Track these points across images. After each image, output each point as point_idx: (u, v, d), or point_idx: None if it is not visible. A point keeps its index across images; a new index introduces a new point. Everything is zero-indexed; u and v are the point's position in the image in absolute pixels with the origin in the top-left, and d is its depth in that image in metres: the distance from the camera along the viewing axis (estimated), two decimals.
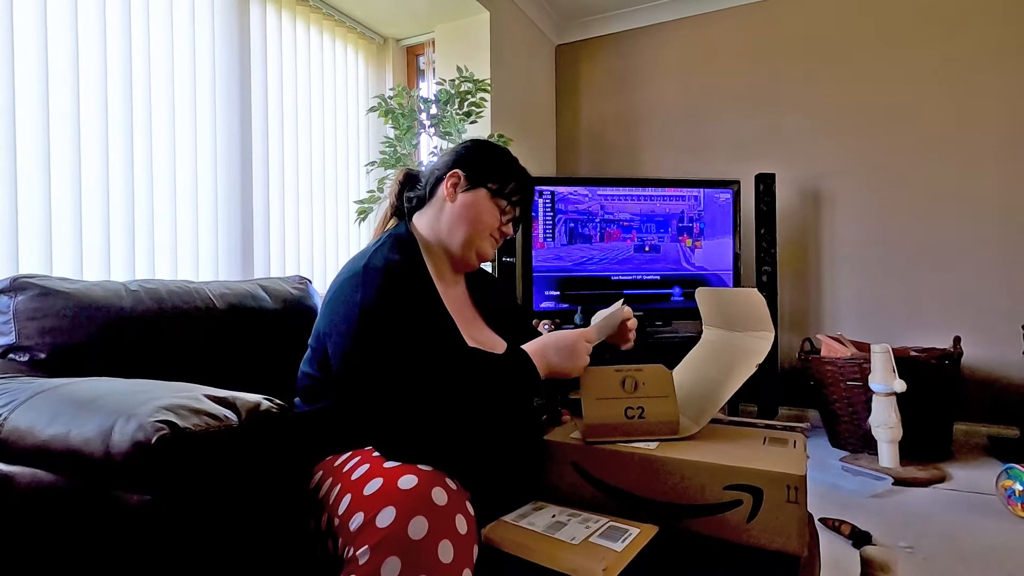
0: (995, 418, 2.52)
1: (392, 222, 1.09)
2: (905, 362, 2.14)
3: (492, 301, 1.12)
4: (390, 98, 2.25)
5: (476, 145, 1.07)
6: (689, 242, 2.69)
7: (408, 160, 2.27)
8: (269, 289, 1.29)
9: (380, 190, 2.23)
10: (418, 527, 0.64)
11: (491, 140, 1.15)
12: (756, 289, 1.01)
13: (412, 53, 3.00)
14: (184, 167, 1.91)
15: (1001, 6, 2.52)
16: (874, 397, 2.10)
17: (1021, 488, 1.68)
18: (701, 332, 1.15)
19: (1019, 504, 1.69)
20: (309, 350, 0.96)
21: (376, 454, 0.78)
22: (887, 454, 2.07)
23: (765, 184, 2.67)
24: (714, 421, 0.98)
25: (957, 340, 2.35)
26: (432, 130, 2.28)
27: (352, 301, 0.84)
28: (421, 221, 1.04)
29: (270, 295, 1.28)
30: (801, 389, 2.65)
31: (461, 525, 0.67)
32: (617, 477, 0.84)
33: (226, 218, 2.05)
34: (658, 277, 2.68)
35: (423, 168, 1.25)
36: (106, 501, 0.60)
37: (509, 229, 1.06)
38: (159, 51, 1.84)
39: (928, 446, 2.23)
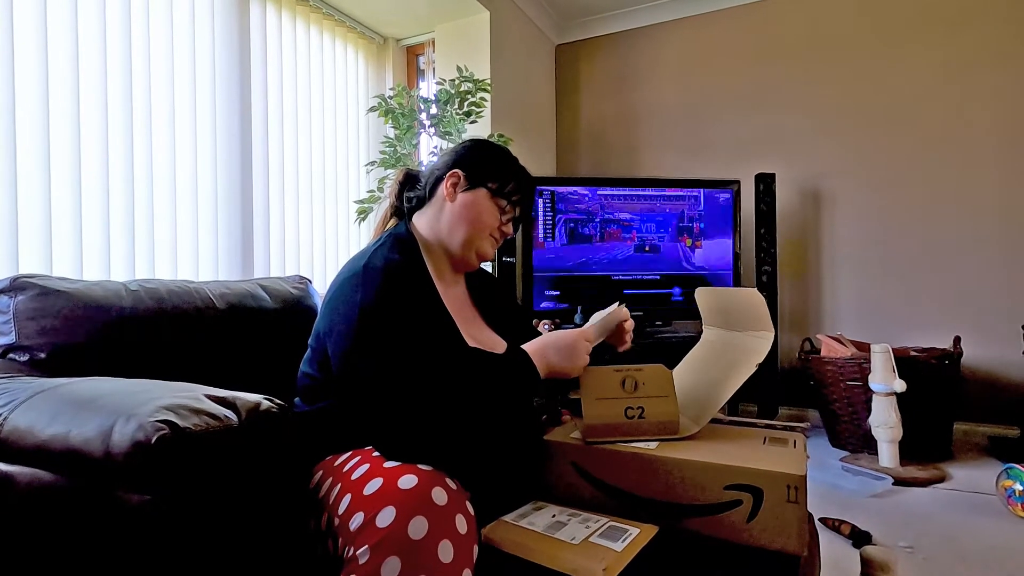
0: (995, 418, 2.52)
1: (392, 222, 1.09)
2: (905, 362, 2.14)
3: (492, 301, 1.12)
4: (390, 98, 2.25)
5: (476, 145, 1.07)
6: (689, 242, 2.69)
7: (408, 160, 2.27)
8: (269, 289, 1.29)
9: (380, 190, 2.23)
10: (418, 527, 0.64)
11: (491, 140, 1.15)
12: (756, 289, 1.01)
13: (412, 53, 3.00)
14: (184, 167, 1.91)
15: (1001, 6, 2.52)
16: (874, 397, 2.10)
17: (1021, 488, 1.68)
18: (701, 332, 1.15)
19: (1019, 504, 1.69)
20: (309, 350, 0.96)
21: (376, 454, 0.78)
22: (887, 454, 2.07)
23: (765, 184, 2.67)
24: (714, 421, 0.98)
25: (957, 340, 2.35)
26: (432, 130, 2.28)
27: (352, 301, 0.84)
28: (421, 221, 1.04)
29: (270, 295, 1.27)
30: (801, 389, 2.65)
31: (461, 525, 0.67)
32: (617, 477, 0.84)
33: (226, 218, 2.05)
34: (658, 277, 2.68)
35: (423, 168, 1.25)
36: (106, 501, 0.60)
37: (509, 229, 1.05)
38: (159, 51, 1.84)
39: (928, 446, 2.23)
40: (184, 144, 1.91)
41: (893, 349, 2.13)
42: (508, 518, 0.81)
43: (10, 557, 0.65)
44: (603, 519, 0.80)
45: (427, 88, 2.95)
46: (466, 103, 2.25)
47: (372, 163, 2.30)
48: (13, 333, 0.91)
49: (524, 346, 0.89)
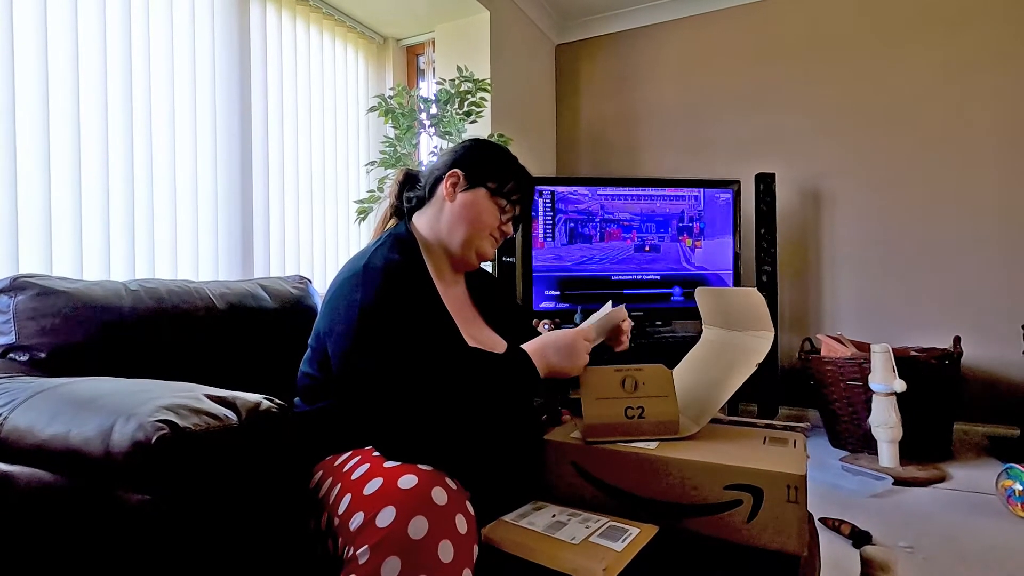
0: (995, 418, 2.52)
1: (392, 222, 1.09)
2: (905, 362, 2.13)
3: (492, 301, 1.12)
4: (390, 98, 2.25)
5: (475, 144, 1.07)
6: (689, 242, 2.69)
7: (408, 160, 2.27)
8: (269, 289, 1.29)
9: (380, 190, 2.23)
10: (418, 527, 0.64)
11: (491, 140, 1.15)
12: (756, 289, 1.01)
13: (412, 53, 3.00)
14: (184, 167, 1.91)
15: (1001, 6, 2.52)
16: (874, 397, 2.10)
17: (1021, 488, 1.68)
18: (701, 332, 1.15)
19: (1019, 504, 1.69)
20: (309, 350, 0.96)
21: (376, 454, 0.78)
22: (887, 454, 2.07)
23: (765, 184, 2.67)
24: (714, 421, 0.98)
25: (957, 340, 2.35)
26: (432, 130, 2.28)
27: (352, 301, 0.84)
28: (421, 221, 1.04)
29: (270, 295, 1.28)
30: (801, 389, 2.65)
31: (461, 525, 0.67)
32: (617, 477, 0.84)
33: (226, 218, 2.05)
34: (658, 277, 2.68)
35: (423, 168, 1.25)
36: (106, 501, 0.60)
37: (509, 228, 1.06)
38: (159, 51, 1.84)
39: (928, 446, 2.23)
40: (184, 144, 1.91)
41: (893, 349, 2.13)
42: (508, 518, 0.81)
43: (10, 557, 0.65)
44: (603, 519, 0.80)
45: (427, 88, 2.95)
46: (466, 103, 2.25)
47: (372, 163, 2.30)
48: (13, 333, 0.91)
49: (524, 346, 0.89)
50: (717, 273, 2.70)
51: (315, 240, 2.45)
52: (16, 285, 0.94)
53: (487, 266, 2.21)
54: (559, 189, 2.60)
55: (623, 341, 1.05)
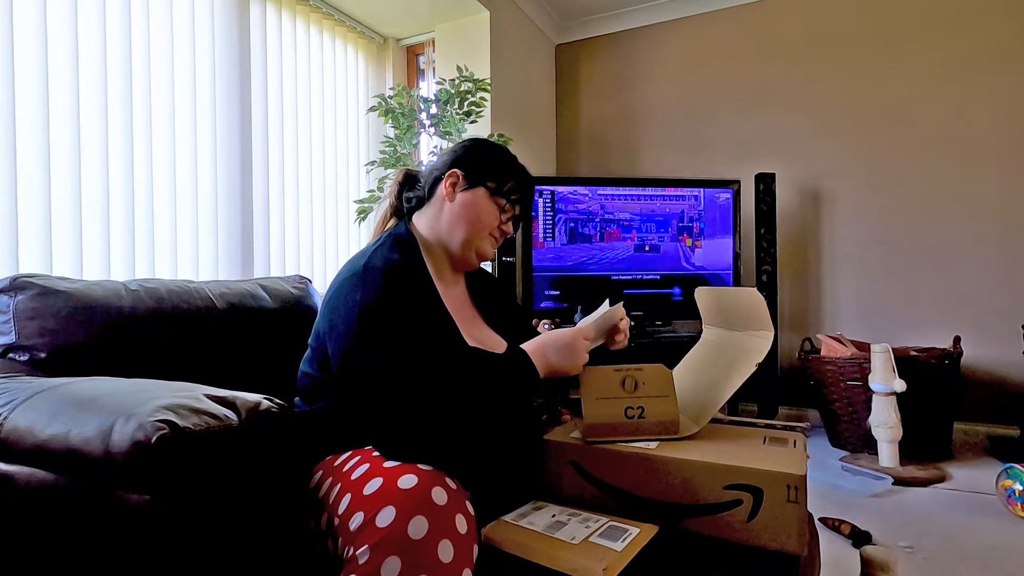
0: (995, 418, 2.52)
1: (392, 222, 1.09)
2: (905, 362, 2.13)
3: (492, 301, 1.12)
4: (390, 98, 2.25)
5: (475, 144, 1.07)
6: (689, 242, 2.69)
7: (408, 160, 2.27)
8: (269, 289, 1.29)
9: (380, 190, 2.23)
10: (418, 527, 0.64)
11: (490, 139, 1.15)
12: (756, 289, 1.01)
13: (412, 53, 3.00)
14: (184, 167, 1.91)
15: (1001, 6, 2.52)
16: (874, 397, 2.10)
17: (1021, 488, 1.68)
18: (701, 332, 1.15)
19: (1019, 504, 1.69)
20: (309, 350, 0.96)
21: (376, 454, 0.78)
22: (887, 454, 2.07)
23: (765, 184, 2.67)
24: (714, 421, 0.98)
25: (957, 340, 2.35)
26: (432, 130, 2.28)
27: (352, 301, 0.84)
28: (421, 221, 1.04)
29: (270, 295, 1.28)
30: (801, 389, 2.65)
31: (461, 525, 0.67)
32: (617, 477, 0.84)
33: (226, 218, 2.05)
34: (658, 277, 2.68)
35: (423, 168, 1.25)
36: (106, 501, 0.60)
37: (509, 228, 1.05)
38: (159, 51, 1.84)
39: (928, 446, 2.23)
40: (184, 144, 1.91)
41: (893, 349, 2.13)
42: (508, 518, 0.81)
43: (10, 557, 0.65)
44: (603, 519, 0.80)
45: (427, 88, 2.95)
46: (466, 103, 2.25)
47: (372, 163, 2.30)
48: (13, 333, 0.91)
49: (523, 345, 0.90)
50: (717, 273, 2.70)
51: (315, 240, 2.45)
52: (16, 285, 0.94)
53: (487, 266, 2.21)
54: (559, 189, 2.60)
55: (621, 340, 1.05)
